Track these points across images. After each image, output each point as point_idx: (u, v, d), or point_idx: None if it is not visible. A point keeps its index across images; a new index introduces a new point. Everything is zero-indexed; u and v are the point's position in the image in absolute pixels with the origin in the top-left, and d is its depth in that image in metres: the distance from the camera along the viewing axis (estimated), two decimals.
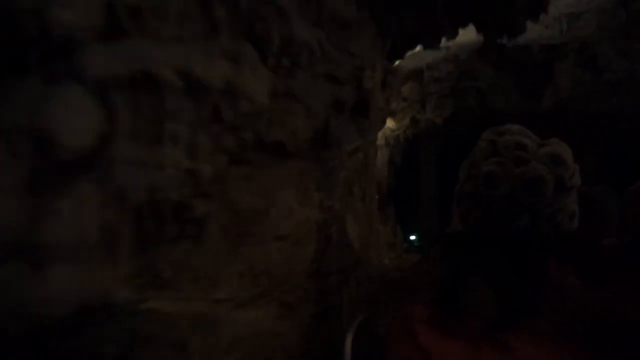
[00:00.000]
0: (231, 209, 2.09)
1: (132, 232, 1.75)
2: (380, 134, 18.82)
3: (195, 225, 1.96)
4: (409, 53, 12.77)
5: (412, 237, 20.66)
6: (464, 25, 6.33)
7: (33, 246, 1.49)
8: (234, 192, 2.14)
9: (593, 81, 14.72)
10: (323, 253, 3.08)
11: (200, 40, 1.93)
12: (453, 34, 6.23)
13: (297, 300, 2.74)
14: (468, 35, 14.08)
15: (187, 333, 1.88)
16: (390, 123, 17.39)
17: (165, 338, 1.79)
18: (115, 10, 1.65)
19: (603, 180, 3.05)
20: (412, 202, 21.14)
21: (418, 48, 13.09)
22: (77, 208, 1.57)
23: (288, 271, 2.64)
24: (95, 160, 1.65)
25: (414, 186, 21.51)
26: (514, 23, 5.63)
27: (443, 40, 12.84)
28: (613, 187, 2.50)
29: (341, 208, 3.50)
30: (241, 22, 2.08)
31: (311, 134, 2.73)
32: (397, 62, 13.23)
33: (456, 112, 19.91)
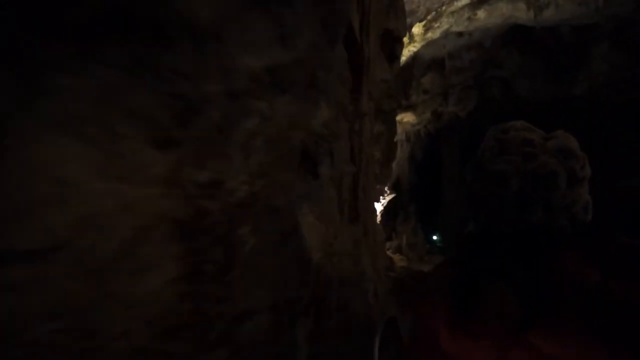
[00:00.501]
0: None
1: None
2: (400, 130, 18.00)
3: None
4: (429, 39, 11.98)
5: (435, 237, 19.78)
6: None
7: None
8: None
9: (632, 65, 13.50)
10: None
11: None
12: None
13: None
14: (492, 18, 13.19)
15: None
16: (410, 117, 16.56)
17: None
18: None
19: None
20: (435, 200, 20.24)
21: (438, 34, 12.28)
22: None
23: None
24: None
25: (436, 183, 20.62)
26: None
27: (465, 24, 11.96)
28: None
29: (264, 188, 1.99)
30: None
31: None
32: (414, 49, 12.46)
33: (480, 104, 18.89)
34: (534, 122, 18.05)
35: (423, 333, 1.54)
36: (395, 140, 16.92)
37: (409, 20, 10.25)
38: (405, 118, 16.33)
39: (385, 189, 13.01)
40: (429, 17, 10.49)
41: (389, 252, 13.10)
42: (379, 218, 14.11)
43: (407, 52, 11.43)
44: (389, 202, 16.03)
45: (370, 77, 3.70)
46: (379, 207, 13.85)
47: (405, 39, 10.86)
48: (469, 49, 14.53)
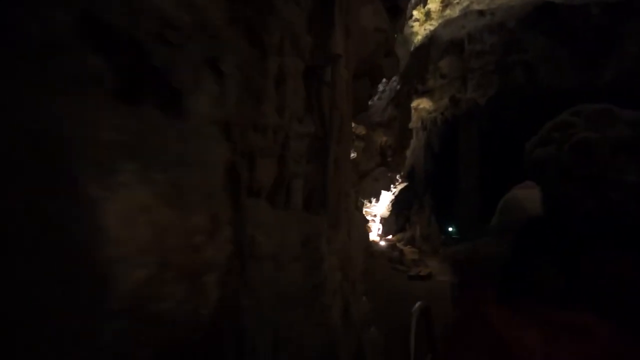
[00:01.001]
0: None
1: None
2: (415, 117, 17.31)
3: None
4: (446, 17, 11.25)
5: (450, 229, 19.10)
6: None
7: None
8: None
9: None
10: None
11: None
12: None
13: None
14: None
15: None
16: (426, 104, 15.84)
17: None
18: None
19: None
20: (451, 191, 19.52)
21: (457, 12, 11.55)
22: None
23: None
24: None
25: (453, 173, 19.87)
26: None
27: (487, 1, 11.19)
28: None
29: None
30: None
31: None
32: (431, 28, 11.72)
33: (501, 90, 18.01)
34: (558, 111, 17.12)
35: (471, 310, 1.13)
36: (410, 127, 16.29)
37: None
38: (422, 104, 15.64)
39: (397, 177, 12.50)
40: None
41: (399, 245, 12.59)
42: (388, 208, 13.56)
43: (422, 31, 10.76)
44: (402, 191, 15.46)
45: (353, 14, 3.08)
46: (389, 196, 13.32)
47: (421, 16, 10.21)
48: (491, 30, 13.73)
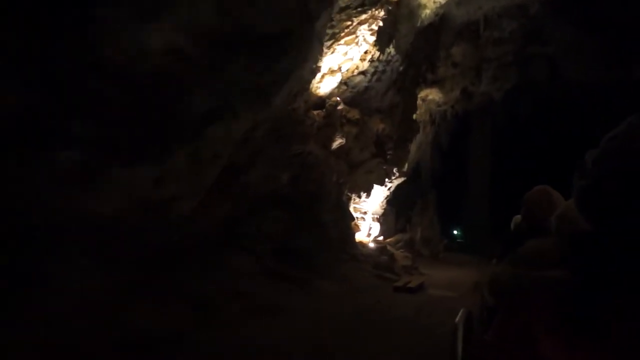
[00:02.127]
0: None
1: None
2: (423, 109, 15.97)
3: None
4: None
5: (456, 232, 17.81)
6: None
7: None
8: None
9: None
10: None
11: None
12: None
13: None
14: None
15: None
16: (436, 95, 14.49)
17: None
18: None
19: None
20: (459, 191, 18.19)
21: None
22: None
23: None
24: None
25: (462, 173, 18.54)
26: None
27: None
28: None
29: None
30: None
31: None
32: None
33: (519, 85, 16.54)
34: (583, 111, 15.66)
35: (518, 334, 0.68)
36: (416, 118, 14.97)
37: None
38: (430, 95, 14.32)
39: (394, 170, 11.14)
40: None
41: (391, 248, 11.14)
42: (382, 205, 12.11)
43: (432, 4, 9.40)
44: (404, 187, 14.21)
45: None
46: (383, 191, 11.86)
47: None
48: (511, 15, 12.32)
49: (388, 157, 11.18)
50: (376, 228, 13.30)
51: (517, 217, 2.73)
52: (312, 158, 7.38)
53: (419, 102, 14.51)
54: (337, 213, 8.04)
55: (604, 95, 14.63)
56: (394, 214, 15.35)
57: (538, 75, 15.28)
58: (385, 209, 15.01)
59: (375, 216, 13.08)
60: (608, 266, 0.66)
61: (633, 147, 0.67)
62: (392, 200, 15.37)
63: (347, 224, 8.92)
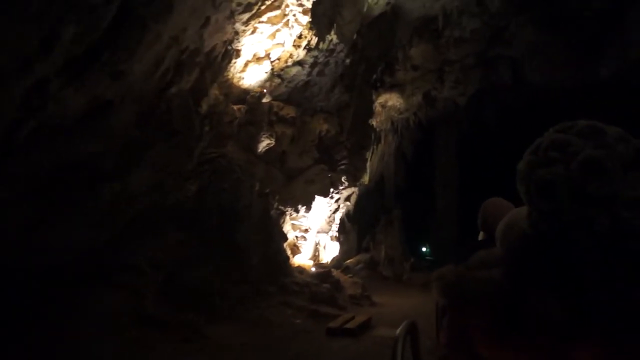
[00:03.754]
0: None
1: None
2: (384, 117, 14.77)
3: None
4: None
5: (424, 249, 16.64)
6: None
7: None
8: None
9: None
10: None
11: None
12: None
13: None
14: None
15: None
16: (396, 100, 13.32)
17: None
18: None
19: None
20: (426, 206, 17.03)
21: None
22: None
23: None
24: None
25: (429, 185, 17.45)
26: None
27: None
28: None
29: None
30: None
31: None
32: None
33: (484, 89, 15.69)
34: (550, 113, 14.91)
35: (459, 338, 0.87)
36: (376, 126, 13.76)
37: None
38: (390, 100, 13.18)
39: (343, 179, 9.59)
40: None
41: (337, 273, 9.20)
42: (329, 221, 10.41)
43: None
44: (366, 201, 12.87)
45: None
46: (329, 203, 10.01)
47: None
48: (471, 12, 11.38)
49: (343, 166, 9.81)
50: (334, 248, 11.81)
51: None
52: (225, 162, 5.82)
53: (378, 108, 13.34)
54: (262, 233, 6.46)
55: (569, 97, 13.87)
56: (356, 232, 13.94)
57: (502, 79, 14.45)
58: (346, 226, 13.61)
59: (333, 234, 11.61)
60: (535, 265, 0.74)
61: (552, 156, 0.75)
62: (353, 217, 14.00)
63: (277, 246, 7.26)
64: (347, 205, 12.52)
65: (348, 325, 5.87)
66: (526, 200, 0.77)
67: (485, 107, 15.48)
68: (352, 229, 13.85)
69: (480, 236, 2.87)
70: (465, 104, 14.97)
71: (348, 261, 11.70)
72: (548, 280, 0.71)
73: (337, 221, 10.46)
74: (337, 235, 12.10)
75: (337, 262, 11.42)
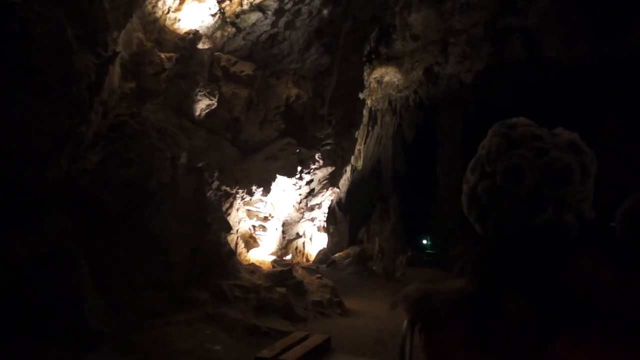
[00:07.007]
0: None
1: None
2: (381, 94, 13.28)
3: None
4: None
5: (425, 242, 15.27)
6: None
7: None
8: None
9: None
10: None
11: None
12: None
13: None
14: None
15: None
16: (393, 75, 11.85)
17: None
18: None
19: None
20: (427, 193, 15.61)
21: None
22: None
23: None
24: None
25: (430, 171, 16.03)
26: None
27: None
28: None
29: None
30: None
31: None
32: None
33: (493, 65, 14.15)
34: (568, 93, 13.42)
35: (438, 354, 0.86)
36: (369, 105, 12.35)
37: None
38: (387, 76, 11.75)
39: (317, 156, 7.97)
40: None
41: (302, 271, 7.21)
42: (298, 207, 8.77)
43: None
44: (360, 188, 11.55)
45: None
46: (297, 186, 8.14)
47: None
48: None
49: (329, 147, 8.44)
50: (322, 240, 10.52)
51: None
52: (136, 125, 4.38)
53: (373, 84, 11.90)
54: (192, 220, 4.98)
55: (588, 75, 12.37)
56: (348, 222, 12.65)
57: (514, 54, 12.96)
58: (337, 216, 12.30)
59: (321, 224, 10.30)
60: (495, 270, 0.77)
61: (492, 157, 0.82)
62: (345, 205, 12.69)
63: (216, 238, 5.68)
64: (337, 192, 11.18)
65: (284, 357, 4.08)
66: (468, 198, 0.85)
67: (494, 86, 13.95)
68: (343, 219, 12.56)
69: None
70: (472, 82, 13.50)
71: (336, 255, 10.42)
72: (513, 281, 0.74)
73: (310, 208, 8.87)
74: (326, 226, 10.80)
75: (324, 255, 10.15)
